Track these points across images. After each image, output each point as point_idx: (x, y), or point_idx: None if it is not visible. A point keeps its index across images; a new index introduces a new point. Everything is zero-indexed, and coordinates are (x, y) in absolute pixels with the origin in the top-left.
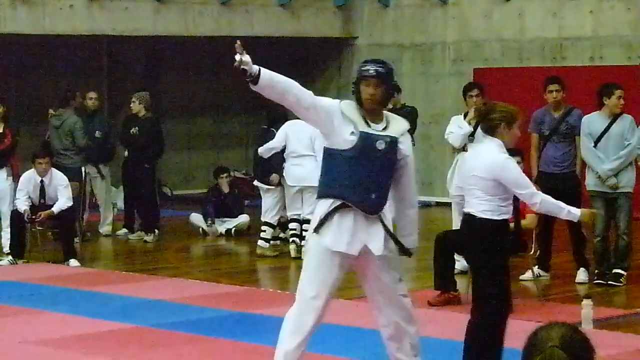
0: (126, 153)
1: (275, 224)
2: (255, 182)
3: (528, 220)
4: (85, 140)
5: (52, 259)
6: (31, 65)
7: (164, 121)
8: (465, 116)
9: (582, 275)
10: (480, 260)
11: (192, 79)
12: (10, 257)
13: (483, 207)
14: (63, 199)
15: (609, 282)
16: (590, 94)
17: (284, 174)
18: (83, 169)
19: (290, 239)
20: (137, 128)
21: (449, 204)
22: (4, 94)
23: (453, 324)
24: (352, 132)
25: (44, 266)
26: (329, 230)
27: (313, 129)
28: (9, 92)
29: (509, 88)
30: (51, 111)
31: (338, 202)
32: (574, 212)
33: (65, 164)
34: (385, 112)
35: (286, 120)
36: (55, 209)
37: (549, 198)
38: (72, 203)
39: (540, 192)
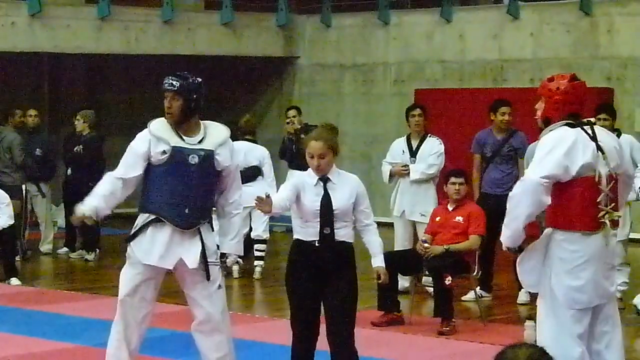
0: (69, 171)
1: None
2: None
3: (471, 242)
4: (23, 158)
5: None
6: None
7: (106, 139)
8: (407, 138)
9: (523, 296)
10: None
11: (134, 97)
12: None
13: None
14: (4, 217)
15: None
16: (530, 116)
17: None
18: (24, 187)
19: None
20: (81, 146)
21: (390, 224)
22: None
23: (396, 345)
24: (164, 151)
25: None
26: (142, 244)
27: (262, 150)
28: None
29: (449, 109)
30: None
31: (152, 217)
32: None
33: (5, 182)
34: (204, 122)
35: (245, 138)
36: None
37: None
38: (13, 221)
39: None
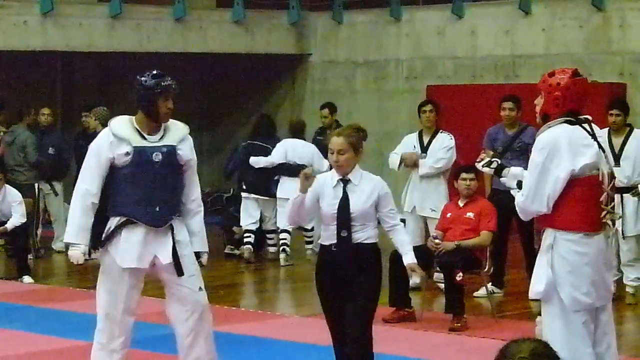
0: None
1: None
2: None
3: (482, 238)
4: (37, 156)
5: (5, 276)
6: None
7: None
8: (419, 134)
9: None
10: None
11: None
12: None
13: None
14: (17, 215)
15: None
16: None
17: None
18: (36, 185)
19: (281, 248)
20: None
21: (402, 220)
22: None
23: (407, 341)
24: (127, 152)
25: None
26: (118, 248)
27: (312, 148)
28: None
29: (461, 105)
30: (1, 128)
31: (123, 219)
32: None
33: (18, 180)
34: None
35: (274, 134)
36: (9, 225)
37: None
38: (25, 220)
39: None
